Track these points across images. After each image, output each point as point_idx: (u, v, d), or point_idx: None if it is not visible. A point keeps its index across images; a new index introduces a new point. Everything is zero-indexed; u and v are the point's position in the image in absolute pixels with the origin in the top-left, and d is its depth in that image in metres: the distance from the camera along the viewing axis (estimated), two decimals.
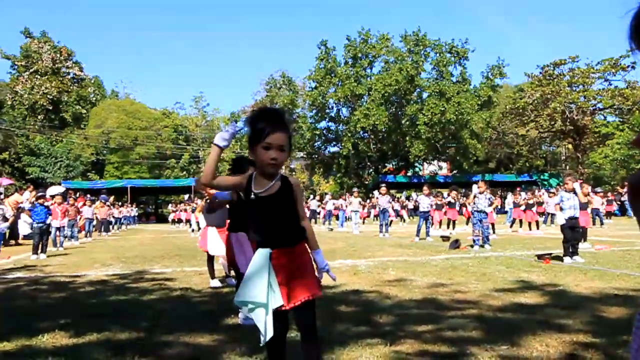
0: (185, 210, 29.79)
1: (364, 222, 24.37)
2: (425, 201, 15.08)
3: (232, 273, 6.85)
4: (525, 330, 3.88)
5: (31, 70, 49.50)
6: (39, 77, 49.36)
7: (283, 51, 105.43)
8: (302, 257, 2.47)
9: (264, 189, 2.42)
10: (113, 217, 26.56)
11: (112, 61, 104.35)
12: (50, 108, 50.06)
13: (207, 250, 6.63)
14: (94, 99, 56.39)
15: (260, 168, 2.42)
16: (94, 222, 21.47)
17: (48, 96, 49.03)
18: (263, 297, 2.33)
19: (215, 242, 6.47)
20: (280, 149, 2.36)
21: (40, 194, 13.24)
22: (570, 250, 8.29)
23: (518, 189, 20.82)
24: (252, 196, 2.43)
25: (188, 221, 26.68)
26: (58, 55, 50.94)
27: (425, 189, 15.72)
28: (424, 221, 14.78)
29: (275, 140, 2.34)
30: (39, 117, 49.87)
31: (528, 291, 5.59)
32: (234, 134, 2.44)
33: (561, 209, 8.56)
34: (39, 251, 11.59)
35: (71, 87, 52.47)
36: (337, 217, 25.49)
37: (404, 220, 28.07)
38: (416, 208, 15.53)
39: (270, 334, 2.33)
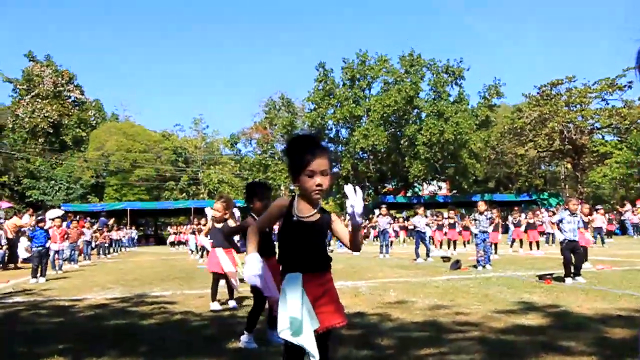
0: (184, 232, 29.73)
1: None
2: (421, 221, 15.00)
3: (235, 295, 6.84)
4: (529, 353, 3.85)
5: (32, 94, 49.78)
6: (40, 100, 49.63)
7: (282, 73, 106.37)
8: (329, 284, 2.52)
9: (306, 214, 2.47)
10: (112, 239, 26.48)
11: (112, 84, 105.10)
12: (51, 131, 50.25)
13: (215, 271, 6.62)
14: (95, 122, 56.66)
15: (306, 195, 2.47)
16: (93, 245, 21.41)
17: (49, 119, 49.24)
18: (297, 313, 2.33)
19: (225, 261, 6.50)
20: (324, 174, 2.42)
21: (40, 217, 13.24)
22: (573, 271, 8.25)
23: (516, 208, 20.77)
24: (294, 218, 2.46)
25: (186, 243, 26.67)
26: (59, 78, 51.31)
27: (421, 209, 15.65)
28: (421, 241, 14.69)
29: (318, 166, 2.40)
30: (40, 140, 50.01)
31: (530, 312, 5.56)
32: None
33: (559, 228, 8.53)
34: (38, 275, 11.53)
35: (72, 111, 52.74)
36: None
37: (404, 241, 28.00)
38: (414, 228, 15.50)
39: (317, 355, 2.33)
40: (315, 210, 2.49)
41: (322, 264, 2.52)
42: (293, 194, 2.57)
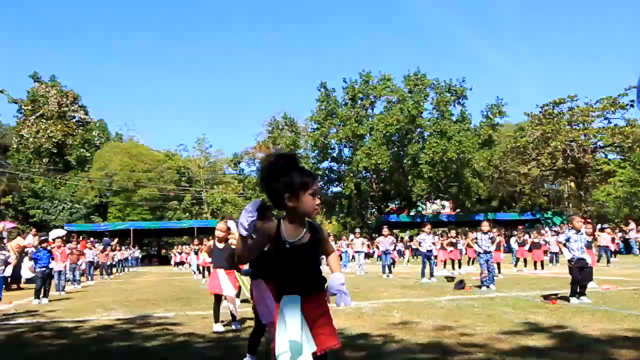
0: (188, 253, 29.68)
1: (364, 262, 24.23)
2: (427, 240, 14.81)
3: (238, 317, 6.81)
4: None
5: (37, 114, 50.16)
6: (44, 120, 49.98)
7: (285, 93, 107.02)
8: (325, 305, 2.52)
9: (297, 237, 2.47)
10: (115, 259, 26.40)
11: (116, 104, 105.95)
12: (55, 151, 50.51)
13: (216, 292, 6.58)
14: (99, 142, 56.96)
15: (302, 214, 2.48)
16: (95, 264, 21.36)
17: (53, 140, 49.53)
18: (298, 336, 2.33)
19: (226, 283, 6.46)
20: (319, 196, 2.49)
21: (43, 237, 13.21)
22: (578, 290, 8.19)
23: (520, 227, 20.66)
24: (287, 246, 2.46)
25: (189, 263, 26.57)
26: (64, 99, 51.72)
27: (427, 227, 15.38)
28: (427, 261, 14.52)
29: (317, 188, 2.47)
30: (44, 160, 50.25)
31: (535, 333, 5.52)
32: (253, 222, 2.42)
33: (567, 247, 8.46)
34: (42, 296, 11.48)
35: (76, 131, 53.07)
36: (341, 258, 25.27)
37: (408, 261, 27.88)
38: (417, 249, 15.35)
39: None
40: (304, 231, 2.49)
41: (318, 284, 2.53)
42: (280, 217, 2.56)
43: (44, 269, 11.74)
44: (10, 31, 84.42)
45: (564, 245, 8.50)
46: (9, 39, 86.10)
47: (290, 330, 2.33)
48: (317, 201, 2.45)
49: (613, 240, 24.26)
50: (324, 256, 2.74)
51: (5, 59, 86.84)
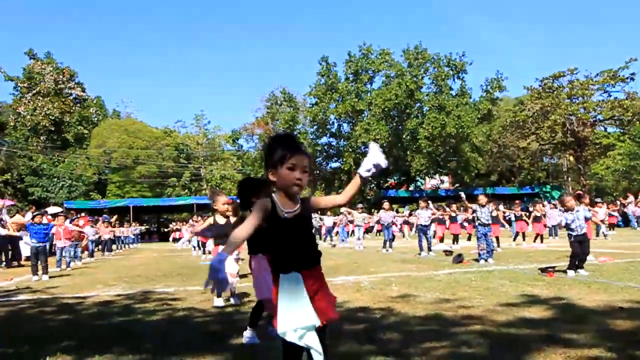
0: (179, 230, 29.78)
1: (363, 237, 24.25)
2: (424, 215, 14.87)
3: (236, 292, 6.85)
4: (530, 346, 3.86)
5: (34, 92, 49.81)
6: (41, 98, 49.64)
7: (283, 68, 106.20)
8: (322, 278, 2.52)
9: (292, 210, 2.45)
10: (115, 236, 26.51)
11: (113, 81, 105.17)
12: (53, 129, 50.30)
13: None
14: (96, 119, 56.70)
15: (284, 189, 2.45)
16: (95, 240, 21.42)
17: (50, 117, 49.29)
18: (314, 319, 2.34)
19: (229, 259, 6.44)
20: (304, 170, 2.42)
21: (36, 213, 13.17)
22: (576, 264, 8.24)
23: (517, 202, 20.71)
24: (285, 215, 2.45)
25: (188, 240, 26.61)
26: (60, 76, 51.30)
27: (422, 202, 15.50)
28: (424, 235, 14.57)
29: (299, 162, 2.41)
30: (42, 137, 50.07)
31: (532, 305, 5.56)
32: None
33: (569, 228, 8.45)
34: (40, 272, 11.46)
35: (73, 108, 52.77)
36: (337, 233, 25.24)
37: (409, 235, 27.98)
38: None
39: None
40: (298, 205, 2.49)
41: (315, 258, 2.52)
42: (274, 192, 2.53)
43: (38, 245, 11.71)
44: (4, 7, 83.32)
45: (567, 228, 8.48)
46: (3, 16, 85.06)
47: (303, 315, 2.33)
48: (297, 175, 2.39)
49: (611, 215, 24.33)
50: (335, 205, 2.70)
51: (0, 36, 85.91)
